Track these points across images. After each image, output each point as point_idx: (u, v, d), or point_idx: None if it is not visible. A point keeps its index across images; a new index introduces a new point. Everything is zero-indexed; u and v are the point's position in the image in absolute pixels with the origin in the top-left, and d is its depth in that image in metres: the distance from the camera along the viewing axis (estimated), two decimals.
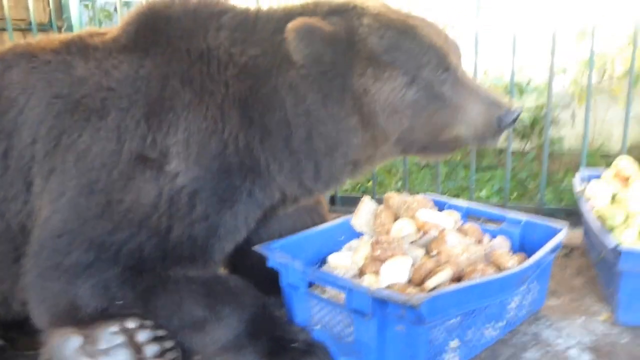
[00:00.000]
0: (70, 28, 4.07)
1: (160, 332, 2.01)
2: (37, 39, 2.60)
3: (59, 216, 2.09)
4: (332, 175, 2.29)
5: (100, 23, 4.55)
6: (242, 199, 2.20)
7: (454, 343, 2.09)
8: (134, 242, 2.07)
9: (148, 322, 2.00)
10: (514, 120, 2.13)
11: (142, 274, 2.09)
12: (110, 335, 1.93)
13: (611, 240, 2.37)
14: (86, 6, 4.57)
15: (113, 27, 2.42)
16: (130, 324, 1.96)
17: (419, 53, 2.08)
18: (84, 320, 2.03)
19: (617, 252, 2.30)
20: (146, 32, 2.27)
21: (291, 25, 2.05)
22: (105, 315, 2.05)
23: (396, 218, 2.64)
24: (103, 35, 2.36)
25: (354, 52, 2.09)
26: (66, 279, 2.04)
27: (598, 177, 3.04)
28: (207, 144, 2.13)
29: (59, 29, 4.31)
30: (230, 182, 2.16)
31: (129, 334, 1.95)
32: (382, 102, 2.10)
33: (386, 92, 2.09)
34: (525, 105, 5.11)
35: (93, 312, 2.05)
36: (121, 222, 2.07)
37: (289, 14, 2.19)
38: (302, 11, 2.20)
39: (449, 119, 2.14)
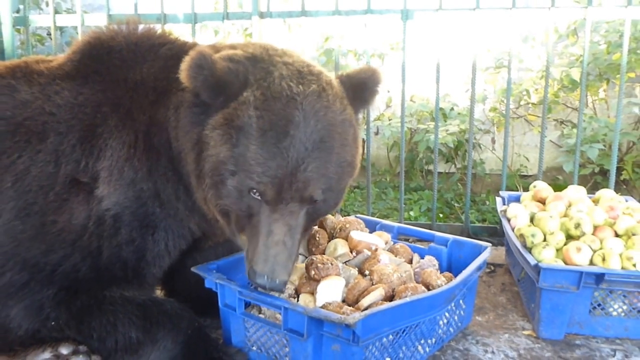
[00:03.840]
0: (2, 51, 4.06)
1: (95, 358, 1.98)
2: None
3: None
4: (204, 216, 2.23)
5: (32, 47, 4.52)
6: (160, 225, 2.22)
7: None
8: (69, 263, 2.08)
9: (82, 347, 1.97)
10: (258, 284, 1.98)
11: (78, 294, 2.09)
12: None
13: (532, 259, 2.52)
14: (18, 30, 4.52)
15: (60, 55, 2.45)
16: (64, 349, 1.92)
17: (253, 159, 1.92)
18: (14, 343, 2.00)
19: (537, 269, 2.45)
20: (89, 61, 2.31)
21: (192, 51, 1.97)
22: (36, 338, 2.02)
23: (330, 238, 2.71)
24: (50, 62, 2.39)
25: (226, 103, 1.98)
26: None
27: (518, 198, 3.22)
28: (123, 170, 2.15)
29: None
30: (146, 208, 2.19)
31: None
32: (209, 168, 2.01)
33: (211, 163, 2.00)
34: (449, 130, 5.34)
35: (24, 335, 2.03)
36: (55, 243, 2.08)
37: (219, 49, 2.18)
38: (232, 47, 2.18)
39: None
